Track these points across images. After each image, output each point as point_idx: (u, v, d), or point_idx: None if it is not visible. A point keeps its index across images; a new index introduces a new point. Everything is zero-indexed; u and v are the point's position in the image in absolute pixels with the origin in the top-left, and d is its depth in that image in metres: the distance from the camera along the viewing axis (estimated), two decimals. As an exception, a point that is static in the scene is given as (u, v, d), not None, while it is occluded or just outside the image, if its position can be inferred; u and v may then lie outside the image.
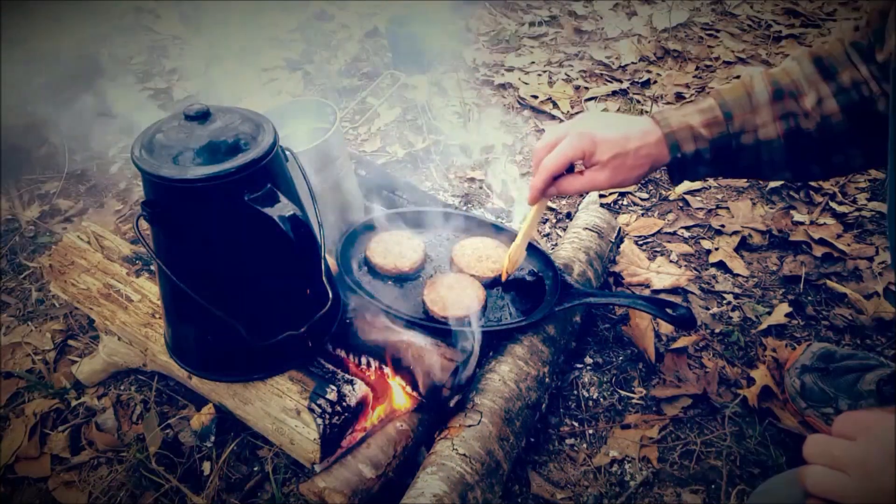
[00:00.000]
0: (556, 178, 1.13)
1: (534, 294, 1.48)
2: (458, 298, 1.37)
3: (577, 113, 2.46)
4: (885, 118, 0.91)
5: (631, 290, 1.73)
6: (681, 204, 2.02)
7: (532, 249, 1.57)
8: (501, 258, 1.49)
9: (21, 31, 2.38)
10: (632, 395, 1.48)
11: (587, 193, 2.04)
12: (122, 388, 1.55)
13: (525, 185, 2.11)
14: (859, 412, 0.61)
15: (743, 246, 1.86)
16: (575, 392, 1.49)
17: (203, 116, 1.03)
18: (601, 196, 2.05)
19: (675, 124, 1.07)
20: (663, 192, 2.07)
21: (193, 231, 1.06)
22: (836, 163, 1.05)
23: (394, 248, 1.50)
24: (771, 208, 1.97)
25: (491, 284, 1.47)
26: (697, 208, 1.99)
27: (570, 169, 1.13)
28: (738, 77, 2.61)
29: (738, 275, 1.76)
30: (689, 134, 1.07)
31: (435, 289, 1.40)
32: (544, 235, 1.94)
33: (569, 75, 2.72)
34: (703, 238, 1.90)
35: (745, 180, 2.08)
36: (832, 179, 2.05)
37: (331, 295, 1.16)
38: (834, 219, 1.91)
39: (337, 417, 1.21)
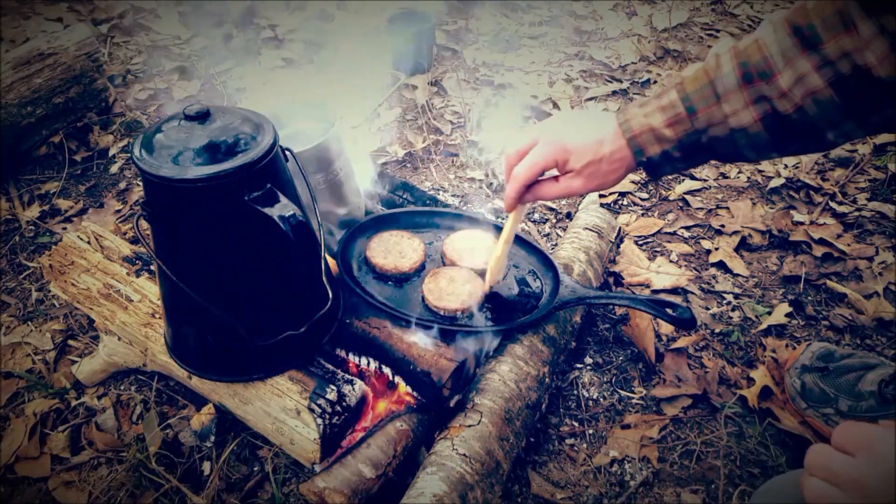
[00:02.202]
0: (531, 185, 1.12)
1: (533, 294, 1.48)
2: (456, 290, 1.38)
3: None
4: (888, 85, 0.84)
5: (631, 290, 1.73)
6: (681, 204, 2.02)
7: (532, 249, 1.57)
8: (493, 248, 1.50)
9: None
10: (632, 395, 1.48)
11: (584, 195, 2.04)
12: (122, 388, 1.55)
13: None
14: (860, 425, 0.59)
15: (743, 246, 1.86)
16: (575, 392, 1.49)
17: (203, 116, 1.03)
18: (601, 196, 2.05)
19: (636, 128, 1.02)
20: (663, 192, 2.07)
21: (193, 231, 1.06)
22: (830, 139, 0.95)
23: (394, 248, 1.50)
24: (771, 208, 1.97)
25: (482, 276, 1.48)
26: (697, 208, 1.99)
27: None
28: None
29: (738, 275, 1.76)
30: (652, 136, 1.01)
31: (435, 280, 1.41)
32: (544, 235, 1.94)
33: (569, 75, 2.72)
34: (703, 238, 1.89)
35: (746, 181, 2.08)
36: (832, 179, 2.06)
37: (331, 295, 1.16)
38: (834, 219, 1.91)
39: (337, 417, 1.21)
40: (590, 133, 1.05)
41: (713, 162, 2.16)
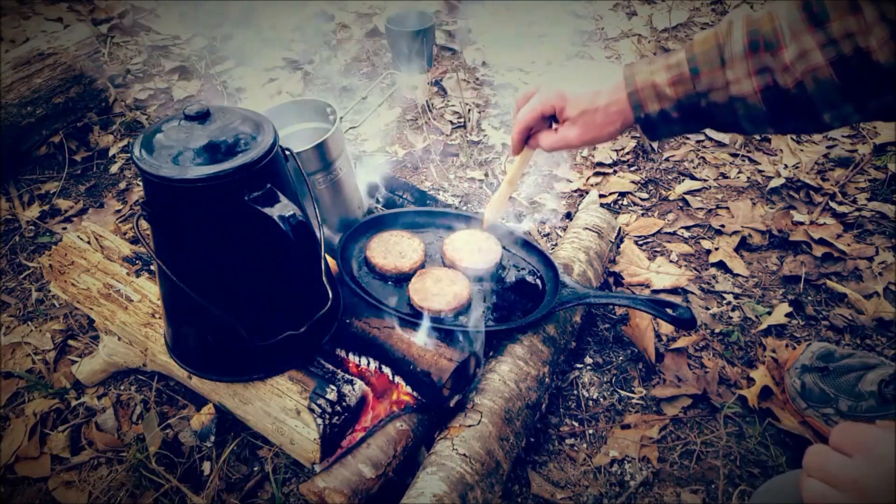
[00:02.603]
0: (533, 133, 1.16)
1: (533, 294, 1.48)
2: (442, 291, 1.38)
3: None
4: (887, 71, 0.84)
5: (631, 290, 1.73)
6: (681, 204, 2.02)
7: (532, 249, 1.57)
8: (493, 249, 1.50)
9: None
10: (632, 395, 1.48)
11: (587, 194, 2.04)
12: (122, 388, 1.55)
13: (525, 186, 2.11)
14: (858, 426, 0.59)
15: (743, 246, 1.86)
16: (575, 392, 1.49)
17: (203, 116, 1.03)
18: (601, 196, 2.05)
19: (639, 83, 1.02)
20: (663, 192, 2.07)
21: (193, 231, 1.06)
22: (827, 120, 0.95)
23: (394, 248, 1.50)
24: (771, 208, 1.97)
25: (481, 277, 1.49)
26: (697, 208, 1.99)
27: (551, 125, 1.16)
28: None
29: (738, 275, 1.76)
30: (653, 93, 1.01)
31: (421, 280, 1.41)
32: (544, 235, 1.94)
33: (569, 75, 2.72)
34: (703, 238, 1.89)
35: (746, 181, 2.08)
36: (832, 179, 2.05)
37: (331, 295, 1.16)
38: (834, 219, 1.91)
39: (337, 417, 1.21)
40: (591, 84, 1.07)
41: (712, 160, 2.16)
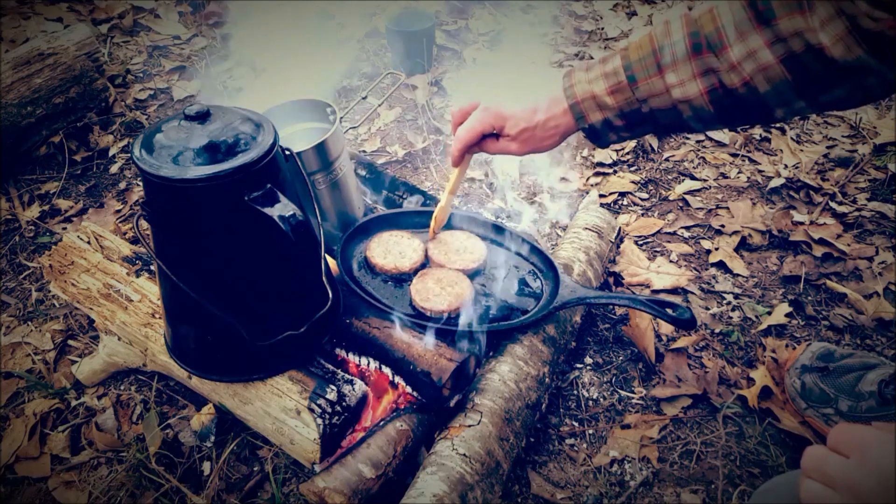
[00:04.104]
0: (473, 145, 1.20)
1: (533, 294, 1.48)
2: (443, 291, 1.38)
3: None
4: (841, 65, 0.83)
5: (631, 290, 1.73)
6: (681, 204, 2.02)
7: (532, 249, 1.57)
8: (478, 249, 1.51)
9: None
10: (632, 395, 1.48)
11: (587, 194, 2.04)
12: (122, 388, 1.55)
13: (523, 186, 2.11)
14: (855, 427, 0.59)
15: (743, 246, 1.86)
16: (575, 392, 1.49)
17: (203, 116, 1.03)
18: (601, 196, 2.05)
19: (579, 94, 1.03)
20: (663, 192, 2.07)
21: (193, 231, 1.06)
22: (779, 115, 0.94)
23: (394, 249, 1.50)
24: (771, 208, 1.97)
25: (472, 276, 1.49)
26: (697, 208, 1.99)
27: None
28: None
29: (738, 275, 1.76)
30: (594, 104, 1.02)
31: (423, 281, 1.41)
32: (544, 235, 1.94)
33: (569, 75, 2.72)
34: (703, 238, 1.89)
35: (746, 181, 2.08)
36: (832, 179, 2.06)
37: (331, 295, 1.16)
38: (834, 219, 1.91)
39: (337, 417, 1.21)
40: (527, 101, 1.10)
41: (712, 160, 2.16)
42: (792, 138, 2.23)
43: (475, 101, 1.18)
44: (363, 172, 1.87)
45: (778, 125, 2.28)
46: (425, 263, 1.51)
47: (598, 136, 1.07)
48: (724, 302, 1.70)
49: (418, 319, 1.36)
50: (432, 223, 1.50)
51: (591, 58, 2.83)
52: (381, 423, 1.25)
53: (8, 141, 2.13)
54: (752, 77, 0.90)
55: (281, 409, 1.22)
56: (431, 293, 1.38)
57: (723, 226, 1.91)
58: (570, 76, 1.05)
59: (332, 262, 1.45)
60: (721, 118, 0.97)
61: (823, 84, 0.88)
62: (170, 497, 1.32)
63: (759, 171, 2.12)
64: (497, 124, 1.14)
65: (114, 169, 2.28)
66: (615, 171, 2.16)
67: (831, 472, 0.57)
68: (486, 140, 1.19)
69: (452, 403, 1.27)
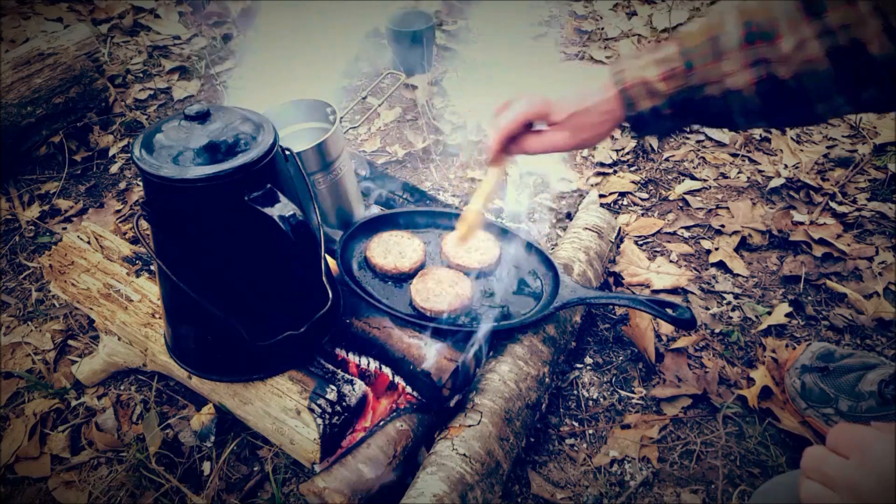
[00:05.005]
0: (516, 139, 1.08)
1: (533, 294, 1.48)
2: (444, 292, 1.38)
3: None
4: (879, 63, 0.84)
5: (631, 290, 1.73)
6: (681, 204, 2.02)
7: (532, 249, 1.57)
8: (490, 249, 1.50)
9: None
10: (632, 395, 1.48)
11: (587, 193, 2.04)
12: (122, 388, 1.55)
13: (524, 185, 2.11)
14: (854, 427, 0.59)
15: (743, 246, 1.86)
16: (575, 392, 1.49)
17: (203, 116, 1.03)
18: (601, 196, 2.05)
19: (629, 79, 0.99)
20: (663, 192, 2.07)
21: (193, 231, 1.06)
22: (819, 112, 0.94)
23: (394, 249, 1.50)
24: (771, 208, 1.97)
25: (478, 276, 1.49)
26: (697, 208, 1.99)
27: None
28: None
29: (738, 275, 1.77)
30: (644, 90, 0.99)
31: (423, 281, 1.41)
32: (544, 235, 1.94)
33: (569, 75, 2.72)
34: (703, 238, 1.89)
35: (746, 181, 2.08)
36: (832, 179, 2.05)
37: (331, 295, 1.16)
38: (834, 219, 1.91)
39: (337, 417, 1.21)
40: (575, 86, 1.04)
41: (712, 160, 2.16)
42: (792, 138, 2.23)
43: (518, 94, 1.06)
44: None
45: (778, 125, 2.28)
46: (425, 263, 1.51)
47: (643, 124, 1.03)
48: (724, 302, 1.70)
49: (418, 319, 1.36)
50: (462, 227, 1.25)
51: (592, 58, 2.83)
52: (381, 423, 1.25)
53: (8, 141, 2.13)
54: (800, 69, 0.90)
55: (281, 409, 1.22)
56: (432, 293, 1.38)
57: (723, 226, 1.91)
58: (618, 63, 1.02)
59: (332, 262, 1.45)
60: (765, 112, 0.96)
61: (864, 82, 0.88)
62: (170, 497, 1.32)
63: (759, 171, 2.12)
64: (542, 110, 1.04)
65: (114, 169, 2.28)
66: (615, 171, 2.16)
67: (831, 473, 0.57)
68: (527, 137, 1.08)
69: (452, 403, 1.27)
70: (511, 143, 1.09)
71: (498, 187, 1.20)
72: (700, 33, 0.96)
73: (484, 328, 1.35)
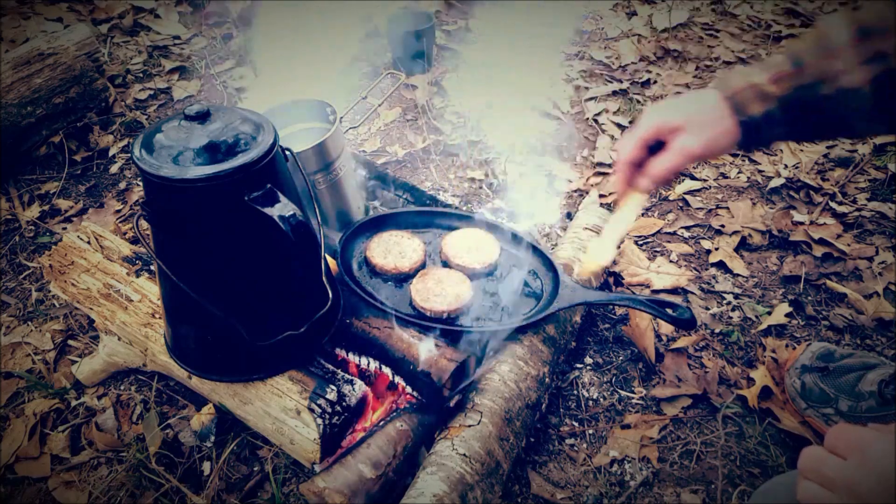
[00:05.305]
0: (641, 166, 1.01)
1: (533, 294, 1.48)
2: (444, 292, 1.39)
3: (577, 112, 2.46)
4: None
5: (631, 290, 1.73)
6: (681, 204, 2.02)
7: (532, 249, 1.57)
8: (490, 249, 1.50)
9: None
10: (632, 395, 1.48)
11: (587, 194, 2.04)
12: (122, 388, 1.55)
13: (524, 184, 2.11)
14: (852, 428, 0.59)
15: (743, 246, 1.86)
16: (575, 392, 1.49)
17: (203, 116, 1.03)
18: (601, 196, 2.05)
19: (735, 85, 0.95)
20: (663, 192, 2.07)
21: (193, 231, 1.06)
22: None
23: (394, 249, 1.50)
24: (771, 208, 1.97)
25: (478, 276, 1.49)
26: (697, 208, 1.99)
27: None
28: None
29: (738, 275, 1.76)
30: (753, 93, 0.94)
31: (423, 281, 1.41)
32: (544, 235, 1.94)
33: (569, 75, 2.72)
34: (703, 238, 1.89)
35: (746, 181, 2.08)
36: (832, 179, 2.05)
37: (331, 295, 1.16)
38: (834, 219, 1.91)
39: (337, 417, 1.21)
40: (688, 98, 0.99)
41: (711, 161, 2.16)
42: (792, 138, 2.23)
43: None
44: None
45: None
46: (425, 263, 1.51)
47: (757, 131, 0.97)
48: (724, 302, 1.70)
49: (418, 319, 1.36)
50: (590, 265, 1.12)
51: (592, 58, 2.83)
52: (381, 423, 1.25)
53: (8, 141, 2.13)
54: None
55: (281, 409, 1.22)
56: (432, 293, 1.38)
57: (723, 226, 1.91)
58: (721, 78, 0.99)
59: (332, 262, 1.45)
60: (882, 112, 0.91)
61: None
62: (170, 497, 1.32)
63: (759, 171, 2.12)
64: (664, 125, 0.98)
65: (114, 169, 2.28)
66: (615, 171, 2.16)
67: (830, 474, 0.57)
68: (653, 159, 0.99)
69: (452, 403, 1.27)
70: (638, 172, 1.02)
71: (630, 224, 1.08)
72: (806, 39, 0.93)
73: (484, 328, 1.35)
